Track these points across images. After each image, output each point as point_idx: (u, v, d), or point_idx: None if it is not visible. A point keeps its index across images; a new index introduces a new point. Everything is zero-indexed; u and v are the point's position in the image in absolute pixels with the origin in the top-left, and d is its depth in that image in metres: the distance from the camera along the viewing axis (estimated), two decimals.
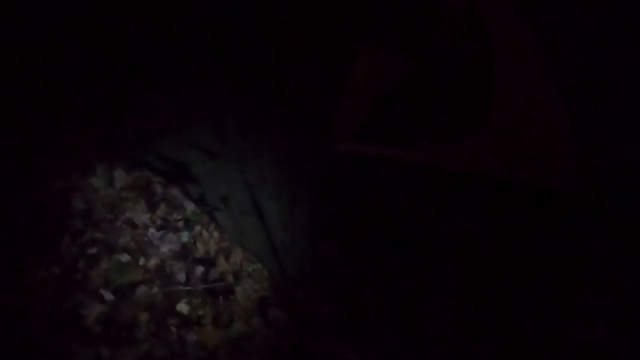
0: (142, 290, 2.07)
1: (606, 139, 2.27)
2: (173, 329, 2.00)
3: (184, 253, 2.17)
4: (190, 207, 2.24)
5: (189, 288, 2.09)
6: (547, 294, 2.12)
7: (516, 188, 2.25)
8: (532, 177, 2.22)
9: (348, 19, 2.34)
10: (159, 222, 2.22)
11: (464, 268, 2.17)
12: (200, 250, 2.17)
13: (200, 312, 2.05)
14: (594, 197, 2.27)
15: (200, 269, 2.14)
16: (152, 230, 2.19)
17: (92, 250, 2.14)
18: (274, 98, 2.30)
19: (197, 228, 2.21)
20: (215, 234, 2.20)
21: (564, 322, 2.06)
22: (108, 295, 2.05)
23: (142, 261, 2.13)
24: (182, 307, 2.06)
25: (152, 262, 2.13)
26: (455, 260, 2.18)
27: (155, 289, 2.08)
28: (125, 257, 2.13)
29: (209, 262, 2.16)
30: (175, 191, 2.28)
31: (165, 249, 2.16)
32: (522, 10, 2.22)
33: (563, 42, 2.24)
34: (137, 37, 2.50)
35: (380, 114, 2.34)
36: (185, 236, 2.19)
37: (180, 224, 2.22)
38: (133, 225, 2.20)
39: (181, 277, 2.11)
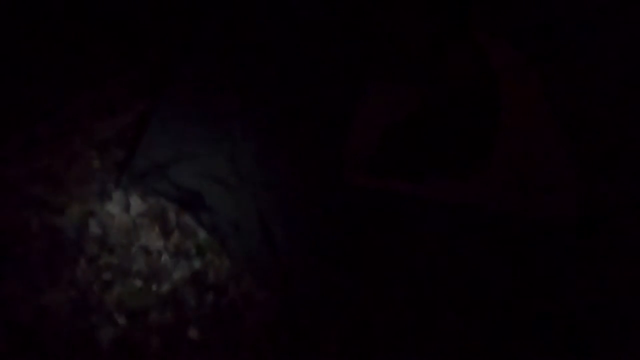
0: (154, 315, 2.13)
1: (607, 173, 2.35)
2: (184, 354, 2.06)
3: (196, 280, 2.23)
4: (202, 234, 2.31)
5: (200, 314, 2.15)
6: (552, 327, 2.17)
7: (520, 221, 2.31)
8: (535, 211, 2.29)
9: (359, 56, 2.44)
10: (172, 248, 2.28)
11: (469, 300, 2.22)
12: (211, 277, 2.23)
13: (210, 338, 2.11)
14: (593, 229, 2.33)
15: (211, 296, 2.20)
16: (165, 256, 2.25)
17: (107, 275, 2.20)
18: (286, 130, 2.39)
19: (209, 255, 2.27)
20: (227, 262, 2.26)
21: (569, 354, 2.12)
22: (121, 319, 2.11)
23: (154, 287, 2.19)
24: (193, 332, 2.12)
25: (165, 287, 2.20)
26: (460, 292, 2.23)
27: (168, 314, 2.14)
28: (138, 283, 2.20)
29: (220, 289, 2.21)
30: (188, 218, 2.34)
31: (177, 275, 2.22)
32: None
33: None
34: (155, 66, 2.60)
35: (388, 149, 2.42)
36: (197, 263, 2.25)
37: (193, 251, 2.28)
38: (147, 251, 2.27)
39: (192, 303, 2.17)
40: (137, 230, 2.31)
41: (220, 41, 2.57)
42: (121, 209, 2.34)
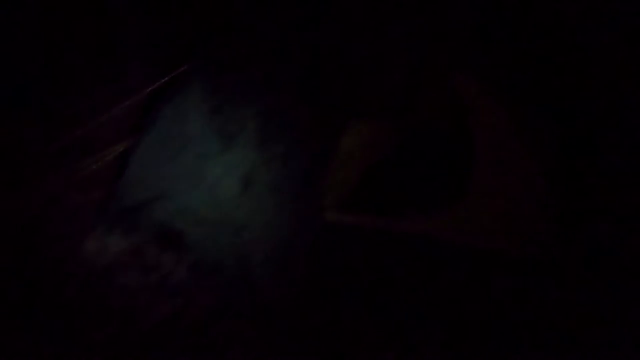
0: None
1: (584, 207, 2.39)
2: None
3: (176, 318, 2.22)
4: (183, 272, 2.31)
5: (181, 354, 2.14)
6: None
7: (499, 255, 2.33)
8: (513, 244, 2.32)
9: (338, 94, 2.49)
10: (152, 286, 2.28)
11: (450, 336, 2.23)
12: (191, 316, 2.23)
13: None
14: (574, 263, 2.35)
15: (191, 334, 2.19)
16: (145, 295, 2.25)
17: (85, 313, 2.19)
18: (266, 168, 2.41)
19: (190, 294, 2.27)
20: (208, 300, 2.26)
21: None
22: None
23: (134, 326, 2.18)
24: None
25: (144, 327, 2.18)
26: (441, 328, 2.24)
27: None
28: (118, 322, 2.19)
29: (200, 328, 2.21)
30: (169, 256, 2.35)
31: (156, 315, 2.21)
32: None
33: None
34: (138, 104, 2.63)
35: (368, 184, 2.45)
36: (177, 302, 2.25)
37: (174, 289, 2.28)
38: (127, 289, 2.26)
39: (173, 343, 2.16)
40: (118, 268, 2.30)
41: (203, 83, 2.61)
42: (102, 247, 2.35)
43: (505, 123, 2.32)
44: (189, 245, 2.33)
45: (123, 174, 2.49)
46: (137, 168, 2.50)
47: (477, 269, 2.30)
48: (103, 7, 2.71)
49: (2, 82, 2.63)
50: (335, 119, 2.46)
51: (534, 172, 2.36)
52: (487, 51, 2.42)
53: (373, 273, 2.31)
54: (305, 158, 2.40)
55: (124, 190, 2.46)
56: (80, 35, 2.70)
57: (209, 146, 2.46)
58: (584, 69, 2.47)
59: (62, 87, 2.67)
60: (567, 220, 2.37)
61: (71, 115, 2.63)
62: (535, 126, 2.40)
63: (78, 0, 2.72)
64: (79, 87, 2.68)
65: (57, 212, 2.43)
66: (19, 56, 2.68)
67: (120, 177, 2.49)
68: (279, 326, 2.21)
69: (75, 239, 2.37)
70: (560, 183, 2.44)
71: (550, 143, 2.45)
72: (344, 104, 2.49)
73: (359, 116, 2.47)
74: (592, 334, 2.24)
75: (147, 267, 2.33)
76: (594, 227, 2.41)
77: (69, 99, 2.67)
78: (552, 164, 2.42)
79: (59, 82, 2.68)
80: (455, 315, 2.28)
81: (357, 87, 2.50)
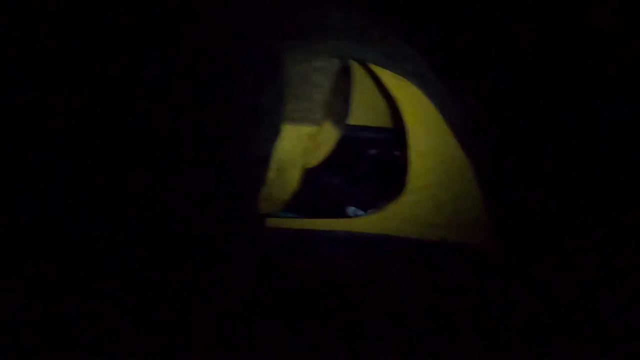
0: None
1: (522, 198, 2.46)
2: None
3: None
4: None
5: None
6: (481, 348, 2.19)
7: (439, 247, 2.37)
8: (451, 236, 2.36)
9: (273, 98, 2.52)
10: None
11: (398, 330, 2.23)
12: None
13: None
14: (512, 253, 2.40)
15: None
16: None
17: None
18: (197, 179, 2.40)
19: None
20: None
21: None
22: None
23: None
24: None
25: None
26: (389, 322, 2.24)
27: None
28: None
29: None
30: None
31: None
32: None
33: None
34: None
35: (309, 187, 2.47)
36: None
37: None
38: None
39: None
40: None
41: None
42: None
43: (437, 116, 2.37)
44: None
45: None
46: None
47: (419, 260, 2.33)
48: None
49: None
50: (271, 124, 2.47)
51: (469, 164, 2.43)
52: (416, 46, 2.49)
53: (318, 273, 2.30)
54: (243, 164, 2.40)
55: None
56: None
57: None
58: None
59: None
60: (505, 212, 2.44)
61: None
62: (463, 116, 2.47)
63: None
64: None
65: None
66: None
67: None
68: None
69: None
70: (496, 175, 2.51)
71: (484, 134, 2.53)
72: (279, 109, 2.51)
73: (295, 121, 2.49)
74: (526, 323, 2.27)
75: None
76: (531, 219, 2.48)
77: None
78: (487, 154, 2.50)
79: None
80: (401, 308, 2.28)
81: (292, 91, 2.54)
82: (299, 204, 2.43)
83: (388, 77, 2.39)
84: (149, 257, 2.30)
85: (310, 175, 2.48)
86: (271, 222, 2.36)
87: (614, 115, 2.54)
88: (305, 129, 2.53)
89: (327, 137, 2.54)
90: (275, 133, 2.46)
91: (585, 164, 2.51)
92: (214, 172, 2.36)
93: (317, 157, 2.52)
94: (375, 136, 2.52)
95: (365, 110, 2.55)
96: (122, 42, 2.21)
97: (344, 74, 2.57)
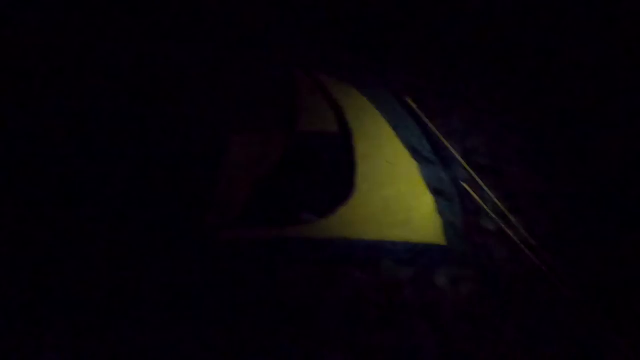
0: None
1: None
2: None
3: None
4: None
5: None
6: (436, 339, 2.23)
7: (391, 246, 2.40)
8: (402, 234, 2.39)
9: (217, 111, 2.52)
10: None
11: (353, 333, 2.25)
12: None
13: None
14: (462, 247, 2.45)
15: None
16: None
17: None
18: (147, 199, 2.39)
19: None
20: None
21: None
22: None
23: None
24: None
25: None
26: (345, 323, 2.26)
27: None
28: None
29: None
30: None
31: None
32: None
33: None
34: None
35: (260, 196, 2.46)
36: None
37: None
38: None
39: None
40: None
41: None
42: None
43: (379, 118, 2.41)
44: None
45: None
46: None
47: (373, 260, 2.35)
48: None
49: None
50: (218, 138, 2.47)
51: (414, 164, 2.47)
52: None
53: (269, 282, 2.31)
54: (191, 179, 2.40)
55: None
56: None
57: None
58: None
59: None
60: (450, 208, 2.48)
61: None
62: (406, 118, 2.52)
63: None
64: None
65: None
66: None
67: None
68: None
69: None
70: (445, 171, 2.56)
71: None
72: (225, 121, 2.52)
73: (241, 132, 2.50)
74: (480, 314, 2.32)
75: None
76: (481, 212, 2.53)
77: None
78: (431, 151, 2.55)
79: None
80: (355, 308, 2.30)
81: (236, 103, 2.54)
82: (252, 213, 2.43)
83: (331, 85, 2.43)
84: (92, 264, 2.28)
85: (262, 184, 2.48)
86: (224, 232, 2.36)
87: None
88: (255, 138, 2.55)
89: (276, 145, 2.55)
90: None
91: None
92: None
93: (267, 165, 2.52)
94: (323, 142, 2.54)
95: (311, 117, 2.56)
96: None
97: (290, 83, 2.59)
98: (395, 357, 2.17)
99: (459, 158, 2.57)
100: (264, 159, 2.52)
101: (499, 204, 2.53)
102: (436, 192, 2.41)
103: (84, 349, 2.07)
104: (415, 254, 2.38)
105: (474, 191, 2.50)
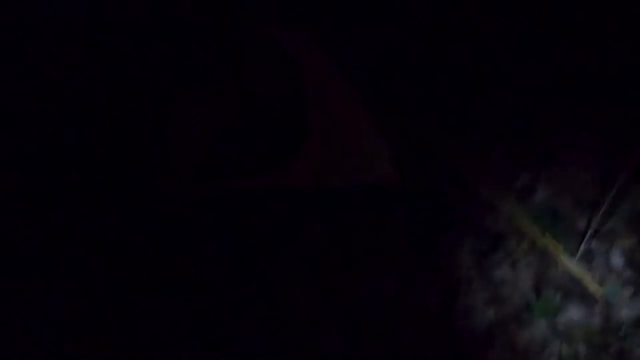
0: None
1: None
2: None
3: None
4: None
5: None
6: (396, 281, 2.28)
7: (343, 193, 2.45)
8: (356, 178, 2.45)
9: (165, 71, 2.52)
10: None
11: (318, 280, 2.28)
12: None
13: None
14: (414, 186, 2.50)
15: None
16: None
17: None
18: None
19: None
20: None
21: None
22: None
23: None
24: None
25: None
26: (310, 273, 2.29)
27: None
28: None
29: None
30: None
31: None
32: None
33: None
34: None
35: (214, 155, 2.47)
36: None
37: None
38: None
39: None
40: None
41: None
42: None
43: (331, 69, 2.48)
44: None
45: None
46: None
47: (331, 205, 2.39)
48: None
49: None
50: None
51: (363, 112, 2.53)
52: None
53: (240, 234, 2.33)
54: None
55: None
56: None
57: None
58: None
59: None
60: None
61: None
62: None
63: None
64: None
65: None
66: None
67: None
68: None
69: None
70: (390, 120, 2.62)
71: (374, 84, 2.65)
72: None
73: (190, 90, 2.51)
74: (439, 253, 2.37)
75: None
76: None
77: None
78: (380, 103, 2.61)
79: None
80: (320, 259, 2.34)
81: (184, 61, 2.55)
82: (206, 167, 2.42)
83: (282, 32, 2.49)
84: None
85: (217, 141, 2.49)
86: (177, 189, 2.35)
87: None
88: (202, 97, 2.55)
89: (227, 102, 2.55)
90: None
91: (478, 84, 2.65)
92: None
93: (220, 121, 2.51)
94: (275, 94, 2.57)
95: (261, 69, 2.59)
96: None
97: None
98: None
99: None
100: (213, 115, 2.52)
101: None
102: None
103: None
104: (369, 198, 2.43)
105: None
